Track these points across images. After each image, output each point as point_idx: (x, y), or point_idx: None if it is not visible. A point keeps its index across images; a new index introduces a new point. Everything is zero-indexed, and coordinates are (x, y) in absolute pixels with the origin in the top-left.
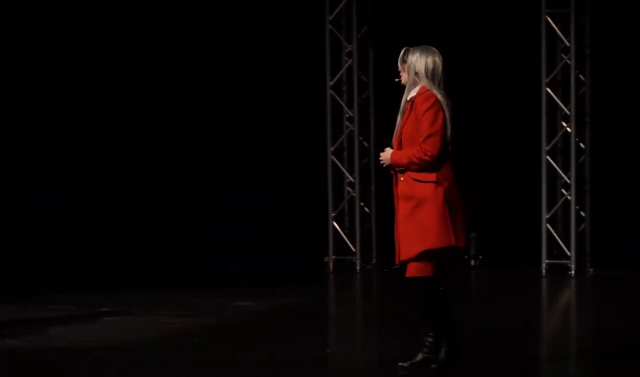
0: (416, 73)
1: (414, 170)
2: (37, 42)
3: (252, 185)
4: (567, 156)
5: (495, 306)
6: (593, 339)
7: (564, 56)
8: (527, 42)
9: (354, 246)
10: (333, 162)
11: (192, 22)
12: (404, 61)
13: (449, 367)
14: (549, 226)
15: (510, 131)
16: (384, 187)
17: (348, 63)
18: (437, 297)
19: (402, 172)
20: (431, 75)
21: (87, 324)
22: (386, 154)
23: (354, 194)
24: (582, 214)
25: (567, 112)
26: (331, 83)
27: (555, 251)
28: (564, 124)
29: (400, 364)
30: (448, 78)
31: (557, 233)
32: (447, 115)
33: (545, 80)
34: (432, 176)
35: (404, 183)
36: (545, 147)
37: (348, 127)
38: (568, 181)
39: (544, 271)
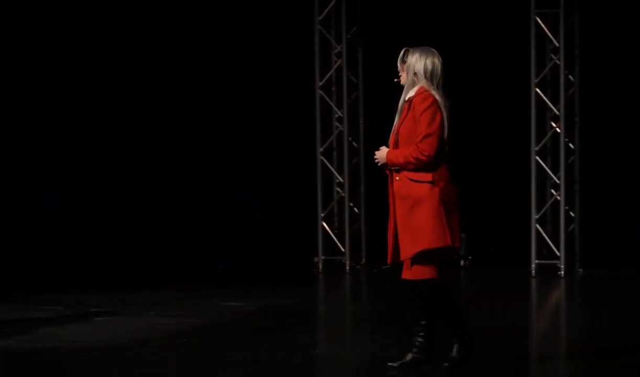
0: (415, 73)
1: (409, 170)
2: (37, 42)
3: (252, 185)
4: (556, 156)
5: (484, 307)
6: (582, 339)
7: (553, 56)
8: (517, 43)
9: (344, 246)
10: (322, 162)
11: (192, 22)
12: (403, 61)
13: (462, 366)
14: (538, 226)
15: (505, 132)
16: (374, 188)
17: (337, 63)
18: (445, 298)
19: (398, 171)
20: (430, 76)
21: (88, 324)
22: (382, 153)
23: (343, 195)
24: (572, 214)
25: (557, 112)
26: (320, 83)
27: (544, 251)
28: (554, 125)
29: (390, 364)
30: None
31: (546, 233)
32: (445, 116)
33: (534, 80)
34: (428, 176)
35: (399, 183)
36: (534, 148)
37: (337, 127)
38: (557, 181)
39: (533, 271)
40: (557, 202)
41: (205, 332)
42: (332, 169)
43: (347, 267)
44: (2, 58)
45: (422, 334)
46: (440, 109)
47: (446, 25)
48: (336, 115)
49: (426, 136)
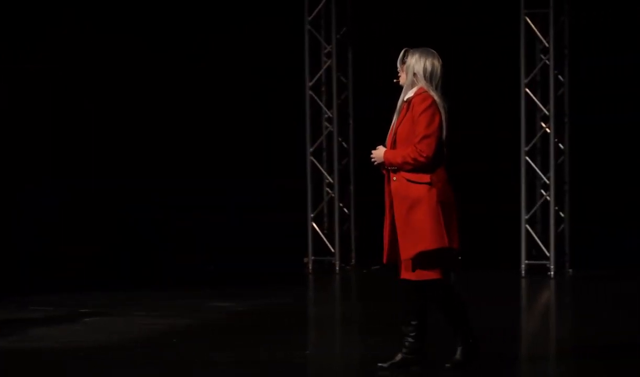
0: (415, 74)
1: (407, 171)
2: (37, 42)
3: (252, 185)
4: (546, 157)
5: (474, 307)
6: (572, 339)
7: (542, 57)
8: (506, 43)
9: (333, 247)
10: (312, 162)
11: (192, 22)
12: (403, 62)
13: (464, 368)
14: (528, 226)
15: (504, 133)
16: (363, 188)
17: (327, 64)
18: (452, 299)
19: (395, 171)
20: (429, 77)
21: (88, 324)
22: (379, 152)
23: (333, 195)
24: (562, 214)
25: (546, 112)
26: (310, 84)
27: (534, 252)
28: (543, 125)
29: (379, 364)
30: None
31: (536, 234)
32: (444, 117)
33: (524, 80)
34: (426, 177)
35: (397, 183)
36: (524, 148)
37: (327, 127)
38: (547, 182)
39: (523, 272)
40: (547, 202)
41: (194, 332)
42: (322, 169)
43: (337, 268)
44: (2, 58)
45: (412, 334)
46: (439, 110)
47: (435, 25)
48: (326, 116)
49: (425, 137)
